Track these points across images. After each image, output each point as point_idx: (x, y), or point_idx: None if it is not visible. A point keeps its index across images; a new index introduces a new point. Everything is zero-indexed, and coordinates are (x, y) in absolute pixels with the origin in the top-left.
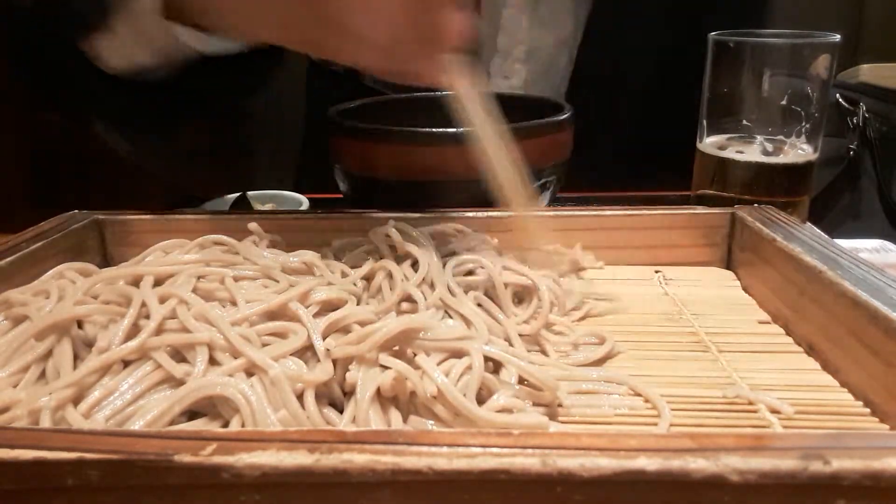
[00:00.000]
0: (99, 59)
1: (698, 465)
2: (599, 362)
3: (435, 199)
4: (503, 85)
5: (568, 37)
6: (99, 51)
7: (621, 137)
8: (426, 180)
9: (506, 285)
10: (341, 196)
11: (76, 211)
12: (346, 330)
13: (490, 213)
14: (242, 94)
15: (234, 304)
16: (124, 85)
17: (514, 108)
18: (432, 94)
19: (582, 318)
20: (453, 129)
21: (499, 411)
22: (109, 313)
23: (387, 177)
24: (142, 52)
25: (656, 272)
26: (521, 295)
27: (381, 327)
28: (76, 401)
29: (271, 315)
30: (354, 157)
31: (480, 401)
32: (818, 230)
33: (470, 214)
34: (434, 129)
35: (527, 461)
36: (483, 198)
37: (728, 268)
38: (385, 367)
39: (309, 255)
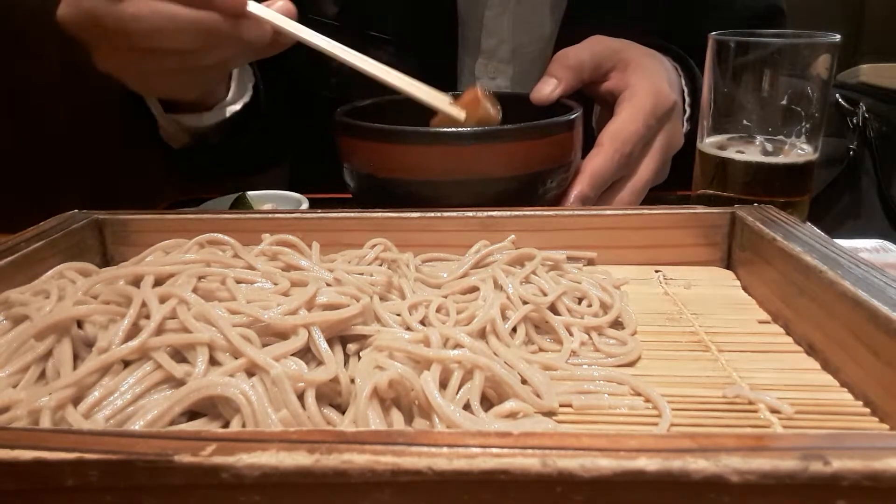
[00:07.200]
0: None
1: (698, 465)
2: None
3: (446, 199)
4: (490, 85)
5: (549, 34)
6: (167, 139)
7: None
8: (436, 179)
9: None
10: (341, 196)
11: (76, 211)
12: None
13: (490, 213)
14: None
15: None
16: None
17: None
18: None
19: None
20: (464, 129)
21: (506, 416)
22: (109, 313)
23: (395, 176)
24: (181, 133)
25: (656, 272)
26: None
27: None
28: (76, 401)
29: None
30: (363, 157)
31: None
32: (818, 230)
33: (470, 214)
34: (444, 129)
35: (527, 461)
36: (494, 196)
37: (728, 267)
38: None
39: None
